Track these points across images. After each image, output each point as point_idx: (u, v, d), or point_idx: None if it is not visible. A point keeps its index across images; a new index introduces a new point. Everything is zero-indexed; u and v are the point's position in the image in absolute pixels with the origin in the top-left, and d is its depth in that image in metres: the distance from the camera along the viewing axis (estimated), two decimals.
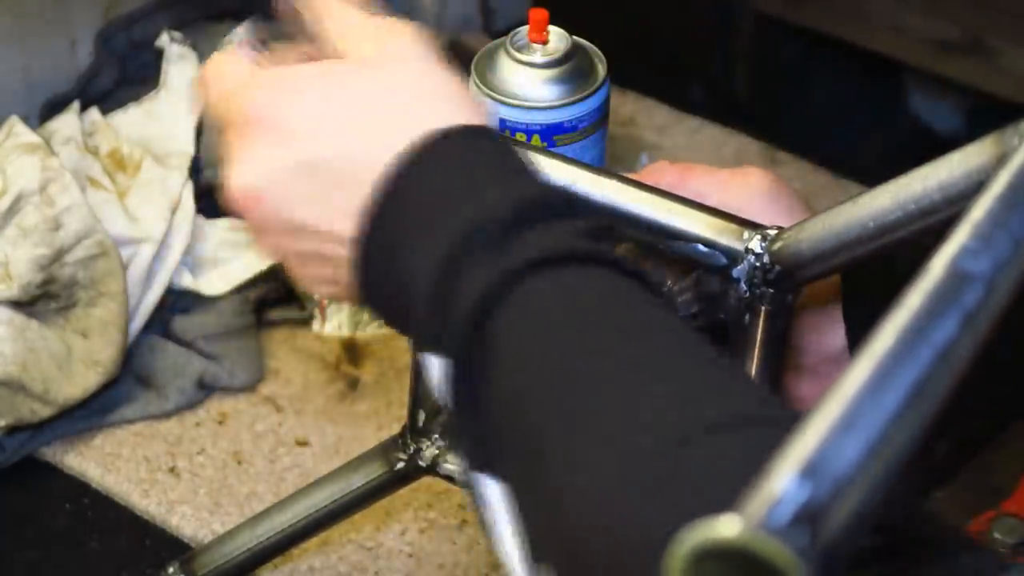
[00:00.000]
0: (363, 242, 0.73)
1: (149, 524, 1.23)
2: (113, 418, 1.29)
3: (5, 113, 1.36)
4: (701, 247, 0.86)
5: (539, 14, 1.09)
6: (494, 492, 0.69)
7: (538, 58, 1.09)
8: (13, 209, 1.27)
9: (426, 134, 0.73)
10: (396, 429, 1.02)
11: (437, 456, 1.00)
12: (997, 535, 1.01)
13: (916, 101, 1.84)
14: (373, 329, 1.38)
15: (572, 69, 1.10)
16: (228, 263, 1.38)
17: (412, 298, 0.71)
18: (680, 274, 0.91)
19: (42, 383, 1.24)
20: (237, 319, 1.35)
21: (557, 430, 0.66)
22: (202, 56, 1.44)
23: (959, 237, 0.58)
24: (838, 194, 1.45)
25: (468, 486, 0.71)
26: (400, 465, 1.01)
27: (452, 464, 0.99)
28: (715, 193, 0.92)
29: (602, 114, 1.12)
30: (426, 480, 1.02)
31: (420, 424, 1.00)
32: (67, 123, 1.38)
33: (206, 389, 1.32)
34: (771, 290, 0.84)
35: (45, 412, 1.24)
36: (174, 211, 1.35)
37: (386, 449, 1.02)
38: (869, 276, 0.89)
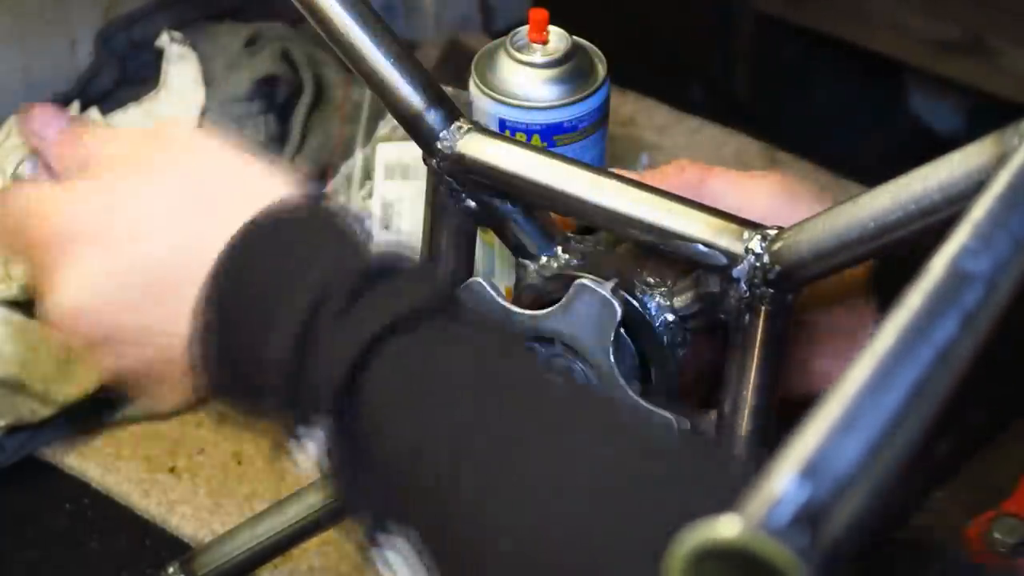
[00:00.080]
0: (206, 334, 0.72)
1: (149, 524, 1.23)
2: (113, 418, 1.29)
3: (5, 113, 1.36)
4: (701, 247, 0.86)
5: (539, 14, 1.09)
6: (398, 553, 0.69)
7: (538, 58, 1.09)
8: None
9: (248, 218, 0.73)
10: None
11: None
12: (997, 535, 1.01)
13: (916, 101, 1.84)
14: None
15: (572, 69, 1.10)
16: None
17: (269, 376, 0.70)
18: (680, 274, 0.91)
19: (42, 383, 1.24)
20: None
21: (464, 475, 0.66)
22: (202, 56, 1.44)
23: (959, 237, 0.58)
24: (838, 194, 1.44)
25: (369, 557, 0.71)
26: None
27: None
28: (734, 194, 0.92)
29: (602, 114, 1.12)
30: None
31: None
32: None
33: None
34: (771, 290, 0.84)
35: (45, 412, 1.24)
36: None
37: None
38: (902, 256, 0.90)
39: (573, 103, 1.09)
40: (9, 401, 1.23)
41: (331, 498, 1.05)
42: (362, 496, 0.70)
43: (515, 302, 0.92)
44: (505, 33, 1.11)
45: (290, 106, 1.44)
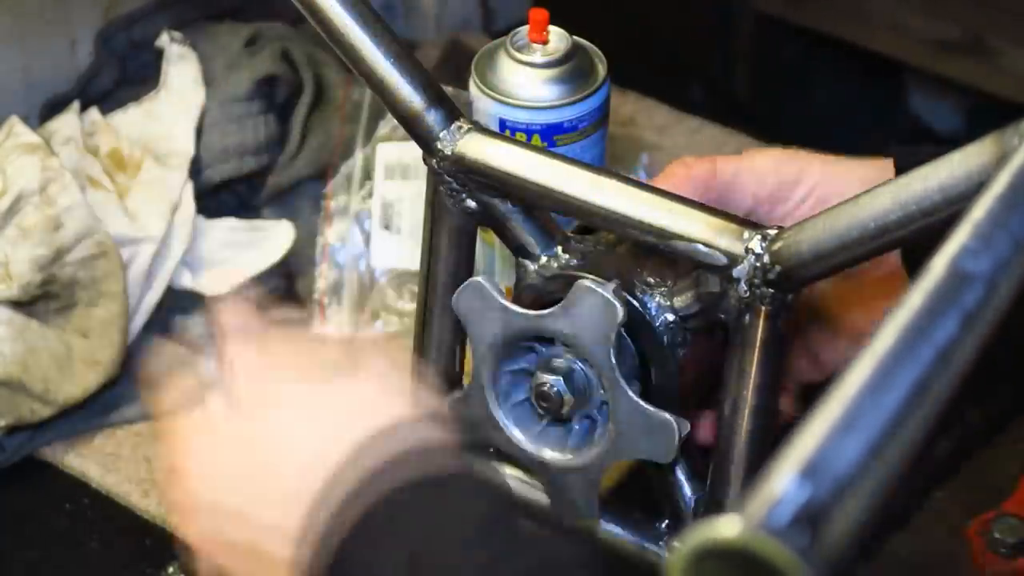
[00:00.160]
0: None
1: (149, 524, 1.22)
2: (113, 418, 1.29)
3: (5, 113, 1.36)
4: (701, 247, 0.86)
5: (539, 14, 1.09)
6: None
7: (538, 58, 1.09)
8: (13, 209, 1.27)
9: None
10: None
11: None
12: (997, 535, 1.01)
13: (916, 101, 1.84)
14: (373, 329, 1.37)
15: (572, 69, 1.10)
16: (228, 263, 1.38)
17: None
18: (680, 274, 0.91)
19: (42, 383, 1.24)
20: None
21: None
22: (202, 56, 1.44)
23: (959, 237, 0.58)
24: None
25: None
26: None
27: None
28: (787, 169, 0.96)
29: (602, 114, 1.12)
30: None
31: None
32: (67, 123, 1.38)
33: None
34: (771, 290, 0.84)
35: (45, 412, 1.24)
36: (174, 211, 1.35)
37: None
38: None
39: (573, 103, 1.09)
40: (9, 401, 1.23)
41: None
42: None
43: (515, 302, 0.92)
44: (505, 33, 1.11)
45: (290, 106, 1.44)
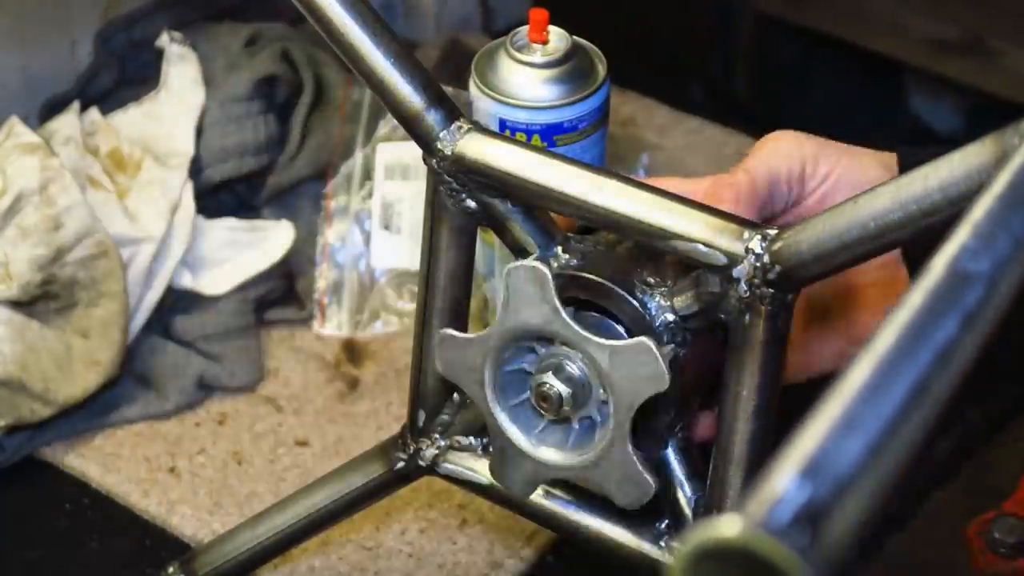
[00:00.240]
0: None
1: (149, 524, 1.23)
2: (113, 418, 1.29)
3: (5, 113, 1.36)
4: (701, 247, 0.86)
5: (539, 14, 1.09)
6: None
7: (538, 58, 1.09)
8: (13, 209, 1.27)
9: None
10: (396, 429, 1.02)
11: (437, 456, 1.00)
12: (997, 535, 1.01)
13: (916, 101, 1.84)
14: (373, 329, 1.37)
15: (572, 69, 1.10)
16: (228, 263, 1.38)
17: None
18: (680, 274, 0.91)
19: (42, 383, 1.24)
20: (237, 319, 1.35)
21: None
22: (202, 56, 1.44)
23: (959, 237, 0.58)
24: None
25: None
26: (400, 465, 1.01)
27: (452, 464, 0.99)
28: (844, 164, 0.99)
29: (602, 114, 1.12)
30: (426, 480, 1.02)
31: (420, 424, 1.00)
32: (67, 123, 1.38)
33: (206, 389, 1.32)
34: (771, 290, 0.84)
35: (45, 412, 1.24)
36: (174, 211, 1.35)
37: (386, 449, 1.02)
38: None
39: (573, 103, 1.09)
40: (9, 401, 1.23)
41: (331, 498, 1.05)
42: None
43: None
44: (505, 33, 1.11)
45: (290, 106, 1.44)
